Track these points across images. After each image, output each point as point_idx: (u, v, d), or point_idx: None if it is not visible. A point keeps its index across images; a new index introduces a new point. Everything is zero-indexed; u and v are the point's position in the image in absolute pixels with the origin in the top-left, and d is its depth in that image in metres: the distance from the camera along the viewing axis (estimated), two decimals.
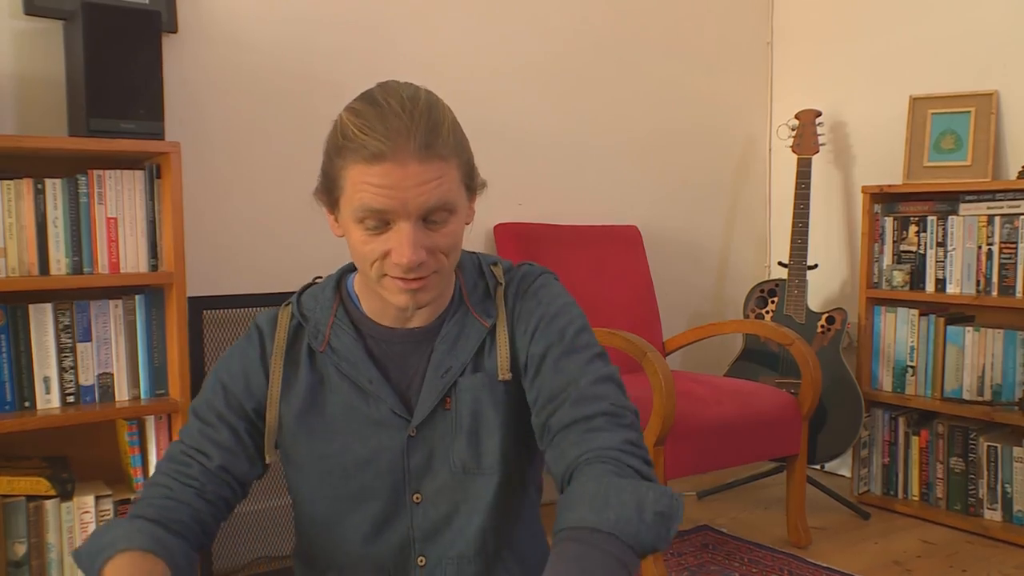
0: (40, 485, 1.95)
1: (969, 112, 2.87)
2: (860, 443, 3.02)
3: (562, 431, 1.09)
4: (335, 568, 1.22)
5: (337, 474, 1.17)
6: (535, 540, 1.26)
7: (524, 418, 1.17)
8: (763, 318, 3.08)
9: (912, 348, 2.92)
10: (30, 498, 1.95)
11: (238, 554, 2.37)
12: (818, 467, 3.34)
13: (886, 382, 2.99)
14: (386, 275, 1.07)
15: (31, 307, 1.93)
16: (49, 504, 1.97)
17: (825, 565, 2.44)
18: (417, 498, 1.16)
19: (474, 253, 1.26)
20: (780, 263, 3.14)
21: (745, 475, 3.19)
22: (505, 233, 2.80)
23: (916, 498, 2.93)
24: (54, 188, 1.93)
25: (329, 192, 1.08)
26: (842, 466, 3.33)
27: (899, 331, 2.96)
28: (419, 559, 1.18)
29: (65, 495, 1.98)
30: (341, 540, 1.19)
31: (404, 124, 1.00)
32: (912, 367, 2.92)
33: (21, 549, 1.94)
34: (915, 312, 2.92)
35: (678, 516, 1.00)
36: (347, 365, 1.16)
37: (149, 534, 1.05)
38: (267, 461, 1.19)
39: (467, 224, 1.13)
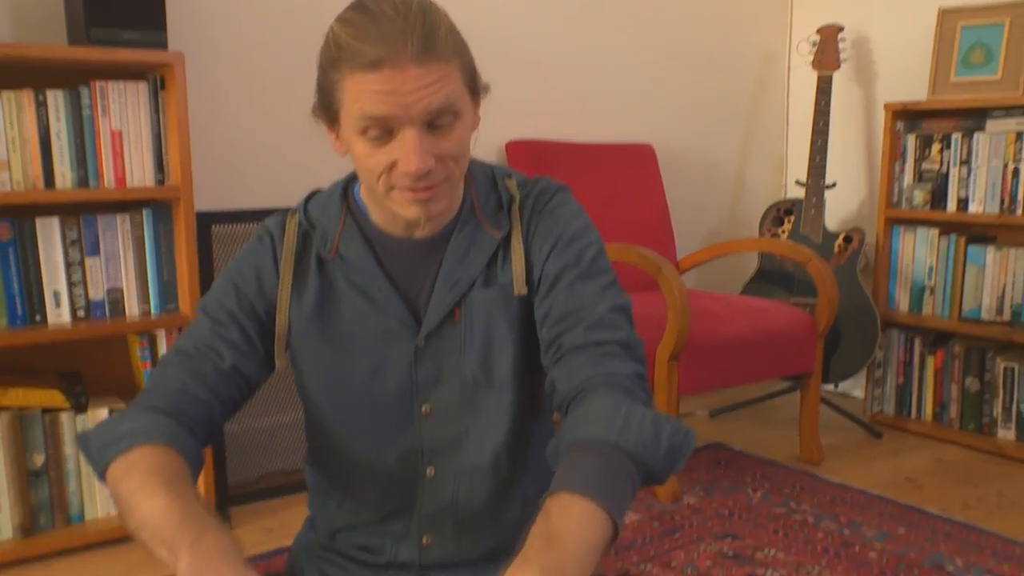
0: (55, 398, 1.96)
1: (1003, 24, 2.77)
2: (874, 363, 3.01)
3: (574, 351, 1.08)
4: (343, 475, 1.22)
5: (345, 382, 1.16)
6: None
7: (536, 334, 1.15)
8: (779, 237, 3.04)
9: (931, 268, 2.88)
10: (45, 411, 1.97)
11: (251, 468, 2.40)
12: (831, 387, 3.33)
13: (903, 303, 2.96)
14: (394, 188, 1.04)
15: (38, 221, 1.92)
16: (64, 417, 1.99)
17: (837, 481, 2.44)
18: (426, 409, 1.16)
19: (488, 165, 1.22)
20: (797, 182, 3.09)
21: (757, 394, 3.19)
22: (517, 151, 2.75)
23: (929, 418, 2.92)
24: (56, 100, 1.90)
25: (327, 107, 1.04)
26: (855, 387, 3.32)
27: (918, 251, 2.91)
28: (428, 470, 1.17)
29: (79, 408, 1.99)
30: (350, 448, 1.19)
31: (399, 27, 0.96)
32: (930, 287, 2.88)
33: (39, 460, 1.97)
34: (935, 231, 2.87)
35: (687, 452, 1.01)
36: (356, 273, 1.15)
37: (167, 428, 1.04)
38: (277, 366, 1.18)
39: (474, 131, 1.10)
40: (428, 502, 1.18)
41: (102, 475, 1.03)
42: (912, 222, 2.93)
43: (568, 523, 0.89)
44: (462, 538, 1.19)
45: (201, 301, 1.18)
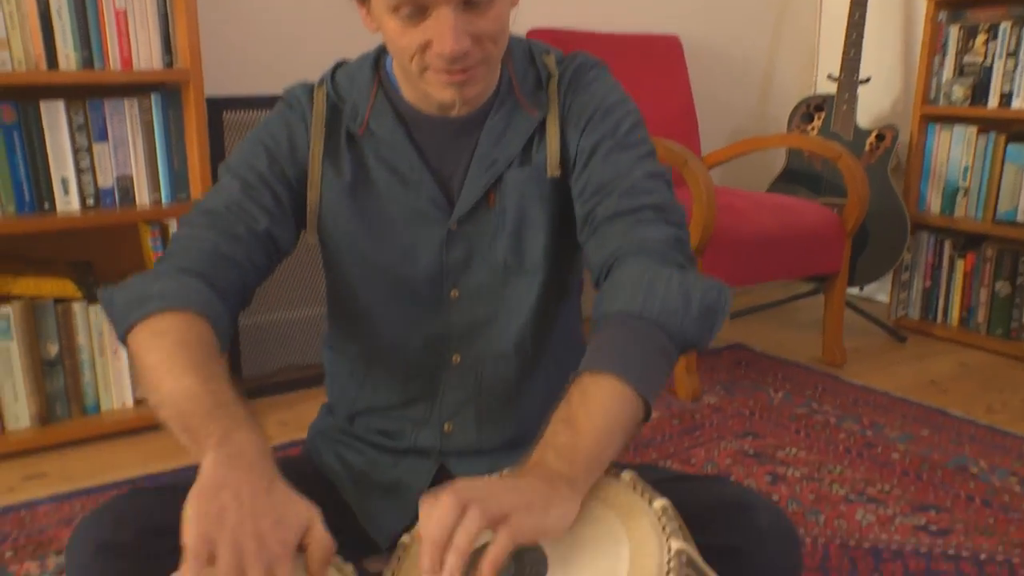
0: (66, 287, 1.93)
1: None
2: (901, 266, 2.94)
3: (607, 221, 1.03)
4: (364, 359, 1.18)
5: (374, 263, 1.12)
6: (574, 344, 1.22)
7: (570, 217, 1.10)
8: (808, 135, 2.93)
9: (966, 168, 2.77)
10: (58, 301, 1.94)
11: (266, 362, 2.38)
12: (856, 291, 3.27)
13: (934, 204, 2.87)
14: (428, 69, 0.97)
15: (42, 104, 1.85)
16: (76, 307, 1.96)
17: (860, 383, 2.41)
18: (455, 294, 1.12)
19: (524, 40, 1.15)
20: (829, 76, 2.96)
21: (779, 297, 3.14)
22: (540, 39, 2.64)
23: (955, 323, 2.87)
24: None
25: None
26: (879, 292, 3.26)
27: (953, 150, 2.80)
28: (454, 356, 1.14)
29: (91, 298, 1.96)
30: (374, 331, 1.15)
31: None
32: (964, 188, 2.79)
33: (53, 349, 1.95)
34: (973, 129, 2.75)
35: (724, 311, 0.96)
36: (387, 150, 1.09)
37: (202, 294, 0.97)
38: (309, 241, 1.13)
39: (513, 7, 1.03)
40: (451, 389, 1.15)
41: (123, 337, 0.97)
42: (949, 119, 2.81)
43: (587, 405, 0.86)
44: (484, 426, 1.17)
45: (225, 163, 1.11)
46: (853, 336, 2.82)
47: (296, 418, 2.15)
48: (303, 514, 0.79)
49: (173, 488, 0.81)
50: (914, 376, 2.53)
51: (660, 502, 0.83)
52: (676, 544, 0.79)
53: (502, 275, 1.11)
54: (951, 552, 1.54)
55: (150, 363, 0.91)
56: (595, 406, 0.86)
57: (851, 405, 2.25)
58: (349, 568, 0.86)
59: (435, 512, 0.73)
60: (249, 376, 2.31)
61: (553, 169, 1.08)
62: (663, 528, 0.81)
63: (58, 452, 1.95)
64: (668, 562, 0.77)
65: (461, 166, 1.09)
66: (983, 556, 1.53)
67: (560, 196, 1.10)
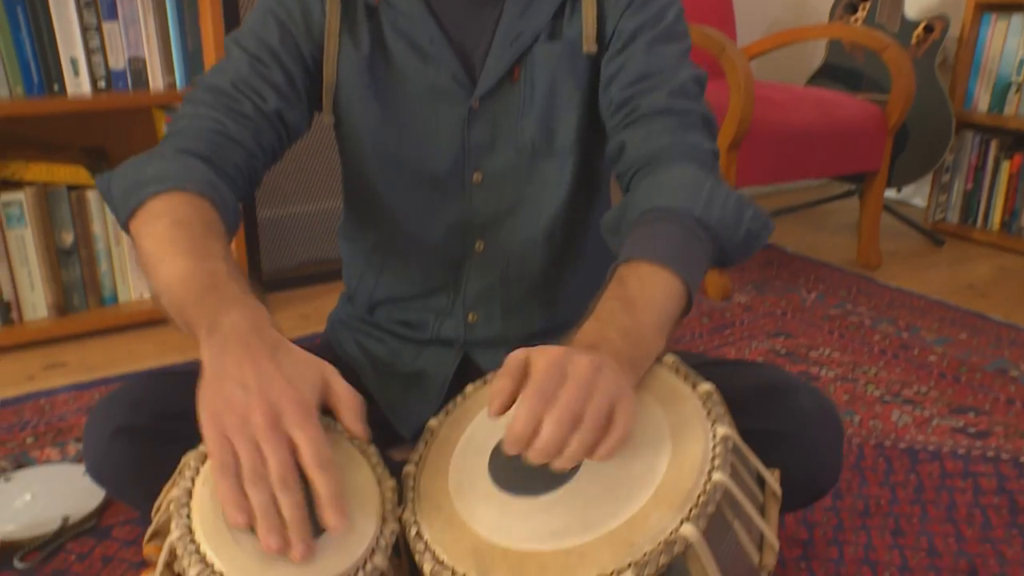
0: (79, 174, 1.87)
1: None
2: (942, 168, 2.82)
3: (652, 116, 0.99)
4: (382, 248, 1.13)
5: (393, 144, 1.05)
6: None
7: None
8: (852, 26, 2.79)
9: (1021, 61, 2.62)
10: (71, 188, 1.88)
11: (287, 256, 2.34)
12: (893, 193, 3.17)
13: (982, 101, 2.73)
14: None
15: None
16: (91, 194, 1.91)
17: (894, 286, 2.34)
18: (477, 178, 1.05)
19: None
20: None
21: (813, 199, 3.04)
22: None
23: (996, 227, 2.77)
24: None
25: None
26: (915, 196, 3.16)
27: (1009, 42, 2.65)
28: (477, 244, 1.09)
29: None
30: (393, 217, 1.09)
31: None
32: (1016, 84, 2.64)
33: (69, 238, 1.91)
34: None
35: (763, 241, 0.95)
36: (405, 22, 1.01)
37: (203, 175, 0.91)
38: (324, 121, 1.06)
39: None
40: (475, 278, 1.10)
41: (125, 226, 0.91)
42: (1006, 8, 2.65)
43: (646, 291, 0.81)
44: (510, 317, 1.12)
45: (232, 35, 1.03)
46: (888, 239, 2.74)
47: (316, 311, 2.12)
48: (316, 371, 0.74)
49: (188, 372, 0.77)
50: (952, 280, 2.45)
51: (705, 386, 0.78)
52: (722, 430, 0.74)
53: (529, 157, 1.05)
54: (990, 454, 1.50)
55: (147, 250, 0.86)
56: (655, 294, 0.82)
57: (886, 307, 2.18)
58: (372, 450, 0.82)
59: (563, 393, 0.68)
60: (269, 271, 2.27)
61: (590, 45, 1.01)
62: (708, 413, 0.76)
63: (76, 342, 1.93)
64: (714, 448, 0.73)
65: (484, 40, 1.02)
66: (1023, 459, 1.48)
67: (593, 75, 1.04)
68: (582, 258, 1.13)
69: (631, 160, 1.00)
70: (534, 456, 0.68)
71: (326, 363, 0.75)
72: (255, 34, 1.01)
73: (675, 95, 0.99)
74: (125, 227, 0.92)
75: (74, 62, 1.81)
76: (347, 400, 0.75)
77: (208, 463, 0.73)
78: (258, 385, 0.70)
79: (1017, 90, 2.65)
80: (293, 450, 0.69)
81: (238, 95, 0.98)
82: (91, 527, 1.27)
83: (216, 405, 0.70)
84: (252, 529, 0.70)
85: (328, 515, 0.69)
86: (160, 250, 0.84)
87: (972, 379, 1.79)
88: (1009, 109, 2.68)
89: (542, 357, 0.71)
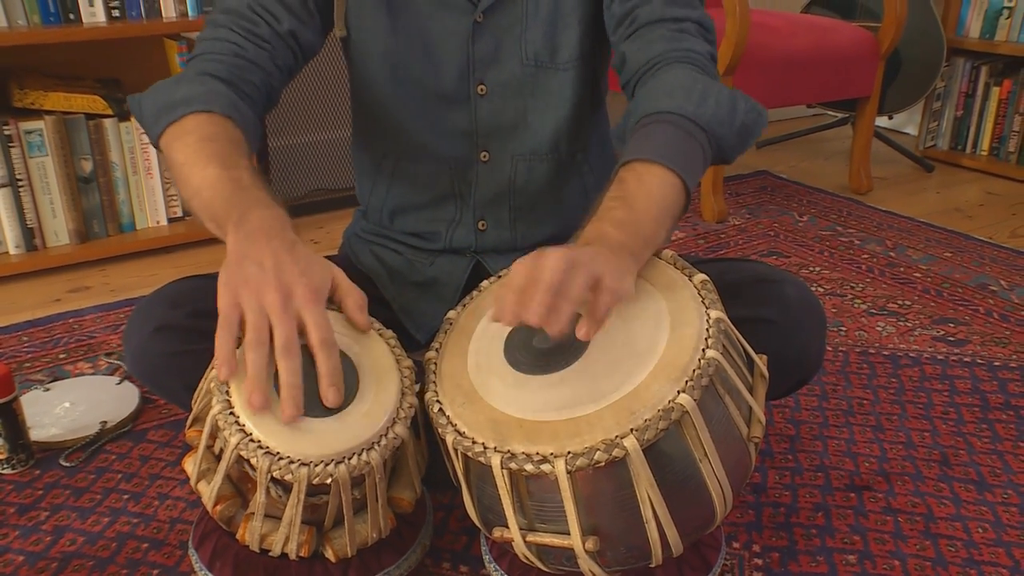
0: (96, 103, 1.93)
1: None
2: (933, 94, 2.88)
3: (649, 25, 1.03)
4: (393, 155, 1.19)
5: (400, 55, 1.10)
6: (607, 144, 1.23)
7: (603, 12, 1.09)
8: None
9: None
10: (89, 117, 1.94)
11: (297, 184, 2.41)
12: (884, 121, 3.22)
13: (974, 27, 2.78)
14: None
15: None
16: (108, 123, 1.97)
17: (884, 209, 2.42)
18: (482, 89, 1.11)
19: None
20: None
21: (806, 127, 3.10)
22: None
23: (985, 152, 2.84)
24: None
25: None
26: (907, 124, 3.21)
27: None
28: (482, 154, 1.14)
29: (122, 115, 1.97)
30: (399, 127, 1.15)
31: None
32: (1009, 8, 2.68)
33: (88, 166, 1.97)
34: None
35: (758, 132, 1.00)
36: None
37: (226, 96, 0.99)
38: (338, 34, 1.12)
39: None
40: (483, 186, 1.16)
41: (156, 143, 1.00)
42: None
43: (643, 188, 0.88)
44: (519, 224, 1.19)
45: None
46: (880, 165, 2.80)
47: (327, 236, 2.19)
48: (326, 267, 0.85)
49: (217, 276, 0.85)
50: (940, 203, 2.53)
51: (699, 276, 0.86)
52: (715, 313, 0.82)
53: (533, 71, 1.10)
54: (967, 359, 1.59)
55: (178, 161, 0.94)
56: (651, 189, 0.88)
57: (875, 229, 2.26)
58: (390, 333, 0.91)
59: (546, 262, 0.74)
60: (279, 198, 2.33)
61: None
62: (703, 299, 0.84)
63: (98, 267, 2.01)
64: (707, 329, 0.81)
65: None
66: (997, 363, 1.58)
67: None
68: (587, 167, 1.19)
69: (632, 70, 1.05)
70: (529, 317, 0.74)
71: (332, 264, 0.86)
72: None
73: (671, 3, 1.04)
74: (156, 143, 1.00)
75: None
76: (351, 292, 0.87)
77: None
78: (275, 267, 0.80)
79: (1009, 15, 2.69)
80: (300, 328, 0.79)
81: (254, 16, 1.04)
82: (127, 430, 1.36)
83: (233, 278, 0.81)
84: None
85: (326, 390, 0.80)
86: (191, 160, 0.92)
87: (954, 293, 1.88)
88: (1000, 34, 2.73)
89: (531, 256, 0.78)
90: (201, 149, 0.93)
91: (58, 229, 1.98)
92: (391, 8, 1.08)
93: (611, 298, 0.77)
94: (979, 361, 1.59)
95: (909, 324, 1.73)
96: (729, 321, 0.85)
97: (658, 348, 0.81)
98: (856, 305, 1.82)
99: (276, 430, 0.79)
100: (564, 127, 1.13)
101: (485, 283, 0.98)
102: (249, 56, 1.03)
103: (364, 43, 1.12)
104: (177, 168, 0.95)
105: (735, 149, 0.99)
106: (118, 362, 1.56)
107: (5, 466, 1.25)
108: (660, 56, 1.02)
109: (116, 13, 1.90)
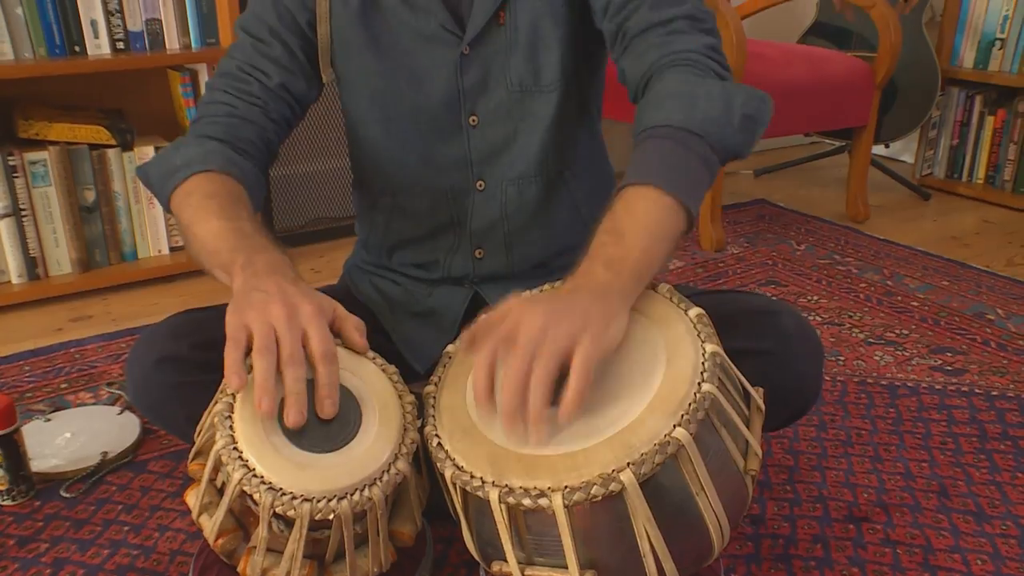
0: (100, 134, 1.95)
1: None
2: (929, 123, 2.90)
3: (639, 35, 1.02)
4: (390, 192, 1.21)
5: (389, 94, 1.12)
6: (598, 160, 1.23)
7: (586, 31, 1.10)
8: None
9: (1005, 17, 2.70)
10: (92, 147, 1.96)
11: (298, 213, 2.42)
12: (880, 149, 3.25)
13: (968, 58, 2.81)
14: None
15: None
16: (111, 154, 1.99)
17: (881, 237, 2.43)
18: (473, 120, 1.12)
19: None
20: None
21: (803, 155, 3.13)
22: None
23: (980, 180, 2.86)
24: None
25: None
26: (904, 152, 3.24)
27: None
28: (478, 183, 1.16)
29: (125, 145, 1.99)
30: (396, 162, 1.17)
31: None
32: (1001, 40, 2.72)
33: (91, 195, 1.99)
34: None
35: (765, 120, 0.96)
36: None
37: (222, 154, 1.04)
38: (324, 80, 1.14)
39: None
40: (479, 214, 1.17)
41: (167, 208, 1.05)
42: None
43: (632, 218, 0.88)
44: (514, 247, 1.19)
45: (239, 20, 1.14)
46: (877, 193, 2.82)
47: (327, 265, 2.21)
48: (328, 299, 0.88)
49: (221, 308, 0.87)
50: (937, 231, 2.54)
51: (695, 310, 0.87)
52: (711, 347, 0.83)
53: (519, 95, 1.10)
54: (964, 389, 1.60)
55: (185, 221, 0.99)
56: (640, 216, 0.87)
57: (872, 257, 2.28)
58: (392, 369, 0.93)
59: (511, 362, 0.78)
60: (280, 227, 2.35)
61: None
62: (698, 334, 0.85)
63: (100, 296, 2.02)
64: (703, 363, 0.82)
65: None
66: (995, 392, 1.59)
67: (573, 11, 1.08)
68: (576, 187, 1.19)
69: (633, 86, 1.04)
70: (505, 422, 0.80)
71: (333, 299, 0.89)
72: (255, 16, 1.12)
73: (656, 7, 1.01)
74: (167, 208, 1.05)
75: (94, 24, 1.89)
76: (350, 317, 0.90)
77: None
78: (279, 292, 0.84)
79: (1001, 46, 2.73)
80: (304, 343, 0.82)
81: (245, 76, 1.09)
82: (128, 461, 1.37)
83: (241, 305, 0.84)
84: (290, 440, 0.81)
85: (322, 401, 0.83)
86: (195, 217, 0.97)
87: (951, 322, 1.89)
88: (993, 65, 2.75)
89: (495, 323, 0.82)
90: (203, 206, 0.98)
91: (60, 258, 1.99)
92: (377, 48, 1.10)
93: (586, 368, 0.78)
94: (977, 391, 1.59)
95: (907, 353, 1.74)
96: (725, 354, 0.85)
97: (654, 382, 0.82)
98: (854, 334, 1.83)
99: (280, 466, 0.79)
100: (550, 147, 1.13)
101: (482, 316, 0.99)
102: (241, 114, 1.08)
103: (353, 84, 1.14)
104: (184, 228, 1.00)
105: (744, 144, 0.96)
106: (119, 392, 1.56)
107: (5, 497, 1.25)
108: (652, 65, 1.00)
109: (121, 45, 1.92)
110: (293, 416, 0.80)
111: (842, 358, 1.72)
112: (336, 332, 0.88)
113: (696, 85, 0.95)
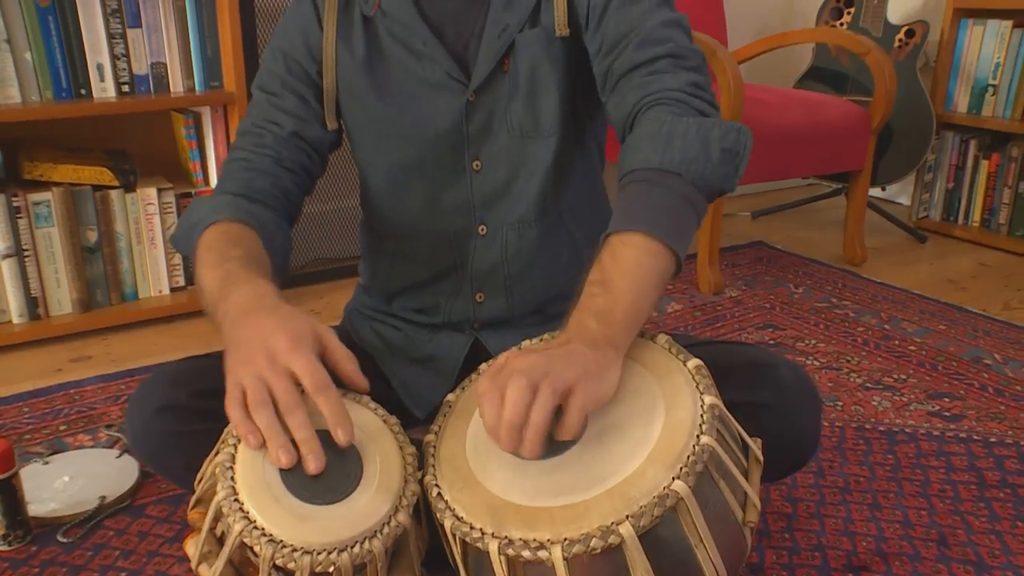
0: (104, 175, 1.97)
1: None
2: (924, 167, 2.93)
3: (624, 76, 1.03)
4: (394, 236, 1.22)
5: (395, 140, 1.14)
6: (597, 203, 1.25)
7: (584, 76, 1.11)
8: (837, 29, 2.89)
9: (997, 65, 2.74)
10: (96, 188, 1.98)
11: (299, 254, 2.43)
12: (877, 192, 3.27)
13: (961, 103, 2.84)
14: None
15: None
16: (114, 195, 2.00)
17: (878, 280, 2.44)
18: (477, 165, 1.14)
19: None
20: None
21: (801, 197, 3.15)
22: None
23: (976, 223, 2.88)
24: None
25: None
26: (900, 194, 3.26)
27: (985, 46, 2.76)
28: (480, 227, 1.17)
29: (128, 186, 2.00)
30: (401, 208, 1.19)
31: None
32: (993, 86, 2.76)
33: (93, 236, 2.00)
34: (1007, 24, 2.70)
35: (746, 152, 0.96)
36: (400, 28, 1.11)
37: (234, 205, 1.06)
38: (329, 127, 1.16)
39: None
40: (479, 258, 1.19)
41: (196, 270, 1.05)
42: (982, 14, 2.76)
43: (618, 267, 0.89)
44: (513, 293, 1.20)
45: (255, 81, 1.18)
46: (874, 236, 2.84)
47: (328, 307, 2.21)
48: (309, 322, 0.86)
49: (220, 356, 0.88)
50: (933, 274, 2.56)
51: (694, 362, 0.88)
52: (709, 399, 0.84)
53: (520, 140, 1.12)
54: (963, 435, 1.60)
55: (198, 277, 1.00)
56: (626, 265, 0.88)
57: (870, 301, 2.29)
58: (394, 420, 0.93)
59: (510, 394, 0.77)
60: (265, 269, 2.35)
61: (561, 28, 1.07)
62: (697, 385, 0.86)
63: (100, 337, 2.02)
64: (702, 415, 0.83)
65: (475, 35, 1.10)
66: (993, 439, 1.59)
67: (572, 57, 1.10)
68: (576, 230, 1.20)
69: (618, 128, 1.05)
70: (503, 448, 0.80)
71: (318, 321, 0.88)
72: (268, 71, 1.16)
73: (640, 47, 1.02)
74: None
75: (100, 68, 1.91)
76: (342, 353, 0.88)
77: None
78: (257, 336, 0.84)
79: (994, 92, 2.76)
80: (296, 381, 0.82)
81: (259, 130, 1.13)
82: (126, 505, 1.36)
83: (231, 363, 0.84)
84: (292, 491, 0.81)
85: (334, 430, 0.82)
86: (197, 273, 1.00)
87: (949, 367, 1.90)
88: (987, 110, 2.79)
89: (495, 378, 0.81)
90: (203, 260, 1.00)
91: (61, 298, 2.00)
92: (383, 95, 1.12)
93: (582, 408, 0.79)
94: (975, 437, 1.60)
95: (905, 399, 1.74)
96: (723, 406, 0.86)
97: (653, 433, 0.82)
98: (852, 379, 1.83)
99: (280, 518, 0.80)
100: (549, 191, 1.15)
101: (483, 366, 1.00)
102: (255, 166, 1.11)
103: (360, 131, 1.17)
104: (198, 283, 1.00)
105: (726, 178, 0.96)
106: (118, 434, 1.56)
107: (2, 542, 1.25)
108: (634, 106, 1.01)
109: (126, 88, 1.94)
110: (312, 464, 0.80)
111: (840, 403, 1.72)
112: (330, 368, 0.87)
113: (673, 124, 0.95)
